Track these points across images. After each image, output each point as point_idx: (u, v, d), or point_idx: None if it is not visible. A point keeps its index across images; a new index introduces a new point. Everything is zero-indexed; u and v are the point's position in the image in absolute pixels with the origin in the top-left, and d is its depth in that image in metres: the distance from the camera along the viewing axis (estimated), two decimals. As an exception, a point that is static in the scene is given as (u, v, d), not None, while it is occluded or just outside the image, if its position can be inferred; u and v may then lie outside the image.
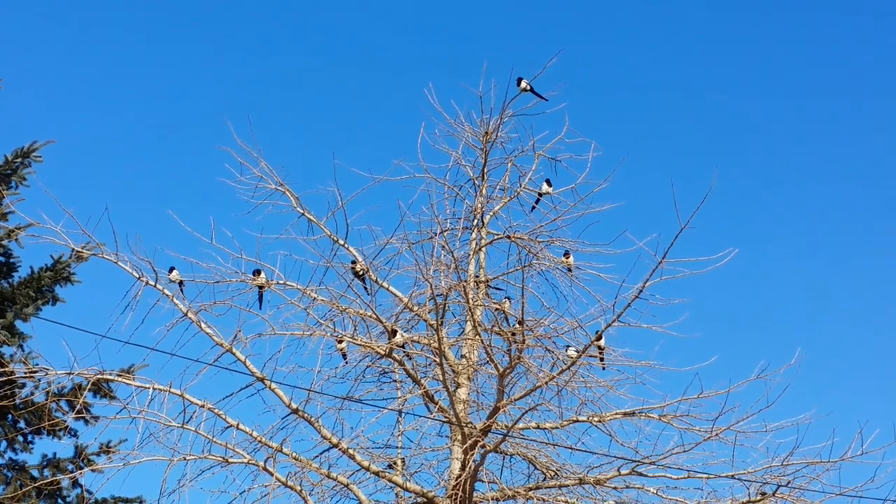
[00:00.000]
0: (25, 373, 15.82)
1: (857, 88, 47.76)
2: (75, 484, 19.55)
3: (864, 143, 47.29)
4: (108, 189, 43.94)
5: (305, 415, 15.92)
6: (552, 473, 16.35)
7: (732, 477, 15.62)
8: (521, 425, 16.11)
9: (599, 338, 15.94)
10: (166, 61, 48.44)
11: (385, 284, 17.23)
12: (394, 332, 15.93)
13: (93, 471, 16.23)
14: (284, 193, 17.27)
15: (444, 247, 17.09)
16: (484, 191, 18.34)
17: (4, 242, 20.02)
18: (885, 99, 47.17)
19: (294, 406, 15.87)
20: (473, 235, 18.17)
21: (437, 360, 15.51)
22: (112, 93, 48.07)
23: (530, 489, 16.18)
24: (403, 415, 17.26)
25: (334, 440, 16.05)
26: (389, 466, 16.99)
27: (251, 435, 15.72)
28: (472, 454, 15.06)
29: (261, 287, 16.39)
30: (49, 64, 46.72)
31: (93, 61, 48.02)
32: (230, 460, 15.48)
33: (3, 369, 16.77)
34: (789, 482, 15.40)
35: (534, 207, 18.63)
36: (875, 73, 47.48)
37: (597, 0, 48.74)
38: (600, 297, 17.23)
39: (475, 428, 15.44)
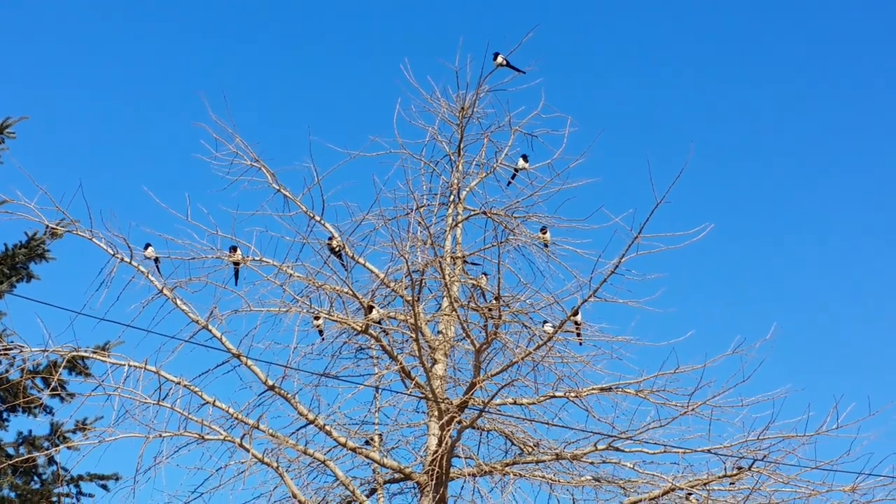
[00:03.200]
0: (0, 350, 15.73)
1: (832, 68, 47.85)
2: (51, 461, 19.54)
3: (840, 122, 47.43)
4: (82, 165, 43.77)
5: (282, 391, 15.90)
6: (529, 449, 16.38)
7: (709, 451, 15.68)
8: (497, 401, 16.13)
9: (576, 313, 15.95)
10: (140, 37, 48.14)
11: (361, 260, 17.21)
12: (370, 308, 15.92)
13: (68, 448, 16.19)
14: (260, 170, 17.22)
15: (420, 223, 17.06)
16: (460, 166, 18.32)
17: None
18: (861, 78, 47.29)
19: (270, 383, 15.85)
20: (450, 211, 18.15)
21: (414, 335, 15.50)
22: (86, 69, 47.79)
23: (507, 464, 16.22)
24: (380, 391, 17.29)
25: (311, 416, 16.05)
26: (366, 442, 17.00)
27: (227, 412, 15.71)
28: (449, 430, 15.08)
29: (236, 263, 16.35)
30: (22, 39, 46.39)
31: (66, 37, 47.71)
32: (206, 437, 15.46)
33: (-23, 347, 16.69)
34: (765, 456, 15.47)
35: (510, 183, 18.62)
36: (856, 54, 47.58)
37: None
38: (577, 273, 17.29)
39: (452, 404, 15.45)
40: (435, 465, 15.18)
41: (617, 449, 15.93)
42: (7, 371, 17.03)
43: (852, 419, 15.40)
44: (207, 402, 15.58)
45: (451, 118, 18.34)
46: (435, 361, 16.74)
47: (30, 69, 46.19)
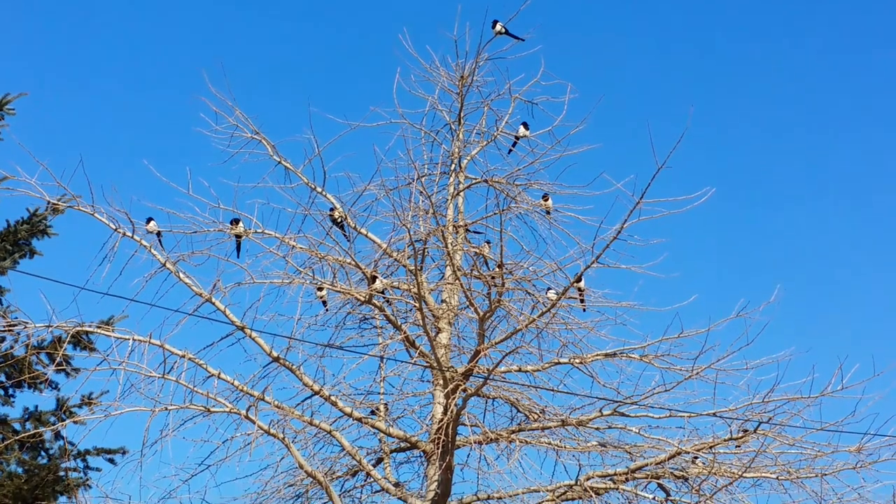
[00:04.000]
0: (4, 326, 15.73)
1: (835, 26, 47.68)
2: (57, 436, 19.53)
3: (843, 79, 47.29)
4: (82, 141, 43.68)
5: (286, 363, 15.93)
6: (535, 416, 16.41)
7: (714, 415, 15.69)
8: (502, 368, 16.13)
9: (579, 279, 15.95)
10: (139, 11, 47.99)
11: (363, 231, 17.20)
12: (373, 279, 15.92)
13: (75, 423, 16.14)
14: (260, 142, 17.19)
15: (421, 192, 17.05)
16: (461, 135, 18.30)
17: (-21, 197, 19.86)
18: (864, 36, 47.13)
19: (275, 354, 15.87)
20: (451, 180, 18.15)
21: (417, 305, 15.51)
22: (85, 43, 47.67)
23: (513, 432, 16.24)
24: (385, 361, 17.31)
25: (316, 387, 16.08)
26: (372, 412, 17.04)
27: (232, 384, 15.72)
28: (454, 398, 15.09)
29: (239, 236, 16.34)
30: (19, 15, 46.24)
31: (64, 12, 47.56)
32: (212, 409, 15.49)
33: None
34: (770, 419, 15.49)
35: (511, 151, 18.63)
36: (859, 11, 47.42)
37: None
38: (579, 239, 17.30)
39: (457, 372, 15.46)
40: (441, 434, 15.20)
41: (622, 414, 15.95)
42: (12, 347, 17.01)
43: (857, 380, 15.42)
44: (212, 375, 15.60)
45: (450, 87, 18.35)
46: (439, 330, 16.75)
47: (28, 45, 46.10)
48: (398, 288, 17.06)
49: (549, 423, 16.18)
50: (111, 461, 20.21)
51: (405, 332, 16.24)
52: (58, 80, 46.32)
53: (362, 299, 15.92)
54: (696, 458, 15.69)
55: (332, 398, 16.13)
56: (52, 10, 47.29)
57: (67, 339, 15.97)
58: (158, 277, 15.76)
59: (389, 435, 16.65)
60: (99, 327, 16.10)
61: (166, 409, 15.19)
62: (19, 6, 46.17)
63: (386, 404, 17.22)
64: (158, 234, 16.22)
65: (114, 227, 15.65)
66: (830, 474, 15.41)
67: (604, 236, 14.63)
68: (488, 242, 17.99)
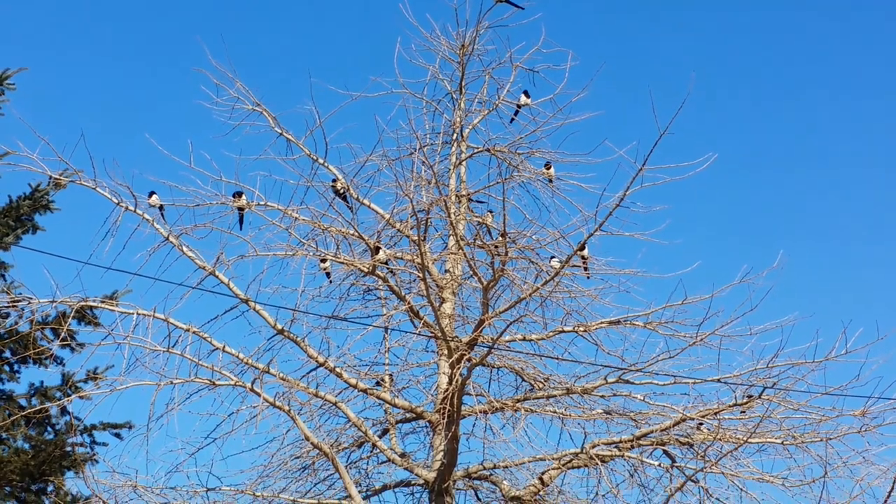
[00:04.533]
0: (8, 302, 15.75)
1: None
2: (63, 411, 19.59)
3: (849, 52, 47.10)
4: (83, 115, 43.57)
5: (291, 335, 15.93)
6: (540, 384, 16.42)
7: (718, 381, 15.71)
8: (506, 337, 16.17)
9: (582, 247, 15.94)
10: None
11: (366, 202, 17.20)
12: (377, 249, 15.91)
13: (80, 398, 16.18)
14: (262, 114, 17.16)
15: (423, 162, 17.01)
16: (462, 104, 18.27)
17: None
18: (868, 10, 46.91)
19: (279, 327, 15.87)
20: (453, 149, 18.12)
21: (421, 275, 15.51)
22: (84, 17, 47.50)
23: (518, 400, 16.25)
24: (389, 331, 17.33)
25: (321, 359, 16.08)
26: (377, 383, 17.05)
27: (237, 357, 15.73)
28: (459, 368, 15.10)
29: (241, 209, 16.33)
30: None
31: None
32: (217, 383, 15.49)
33: (-15, 299, 16.71)
34: (775, 384, 15.51)
35: (513, 119, 18.59)
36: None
37: None
38: (582, 207, 17.28)
39: (461, 342, 15.46)
40: (446, 404, 15.22)
41: (627, 381, 15.96)
42: (16, 323, 17.04)
43: (861, 344, 15.42)
44: (217, 348, 15.60)
45: (451, 56, 18.31)
46: (443, 300, 16.76)
47: (28, 20, 45.94)
48: (401, 258, 17.06)
49: (554, 391, 16.21)
50: (117, 436, 20.27)
51: (409, 303, 16.22)
52: (58, 54, 46.18)
53: (366, 270, 15.92)
54: (701, 424, 15.70)
55: (337, 370, 16.15)
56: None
57: (72, 314, 15.95)
58: (161, 251, 15.79)
59: (395, 406, 16.68)
60: (103, 302, 16.13)
61: (171, 382, 15.21)
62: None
63: (391, 375, 17.23)
64: (161, 207, 16.22)
65: (116, 202, 15.64)
66: (835, 438, 15.42)
67: (607, 204, 14.62)
68: (491, 212, 17.97)
